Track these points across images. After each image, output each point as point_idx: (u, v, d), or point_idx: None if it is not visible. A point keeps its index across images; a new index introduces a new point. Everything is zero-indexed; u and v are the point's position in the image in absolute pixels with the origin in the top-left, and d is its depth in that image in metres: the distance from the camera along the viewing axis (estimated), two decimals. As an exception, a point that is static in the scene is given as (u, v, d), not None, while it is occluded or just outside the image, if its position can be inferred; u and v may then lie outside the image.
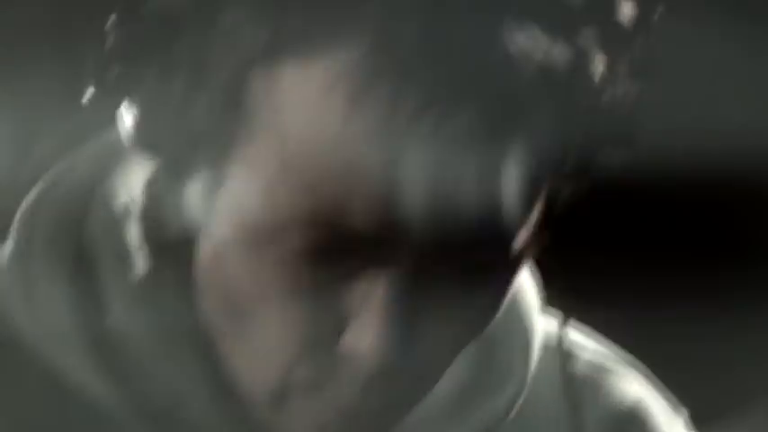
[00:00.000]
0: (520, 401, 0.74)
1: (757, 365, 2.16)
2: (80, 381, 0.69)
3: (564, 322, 0.75)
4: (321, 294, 0.63)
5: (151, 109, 0.65)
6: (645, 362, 0.82)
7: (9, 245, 0.72)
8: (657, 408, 0.80)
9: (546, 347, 0.76)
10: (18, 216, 0.72)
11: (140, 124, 0.65)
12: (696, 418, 0.81)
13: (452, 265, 0.63)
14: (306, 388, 0.66)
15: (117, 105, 0.66)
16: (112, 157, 0.72)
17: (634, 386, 0.80)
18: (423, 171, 0.61)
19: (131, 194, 0.72)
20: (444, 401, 0.73)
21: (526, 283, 0.76)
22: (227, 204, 0.64)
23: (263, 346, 0.65)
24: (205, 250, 0.67)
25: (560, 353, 0.75)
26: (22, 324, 0.70)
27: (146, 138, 0.65)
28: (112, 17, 0.64)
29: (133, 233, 0.71)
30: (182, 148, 0.64)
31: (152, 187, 0.70)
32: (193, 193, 0.66)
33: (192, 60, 0.63)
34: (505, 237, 0.63)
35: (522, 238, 0.64)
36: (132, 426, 0.70)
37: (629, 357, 0.82)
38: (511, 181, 0.62)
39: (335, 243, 0.62)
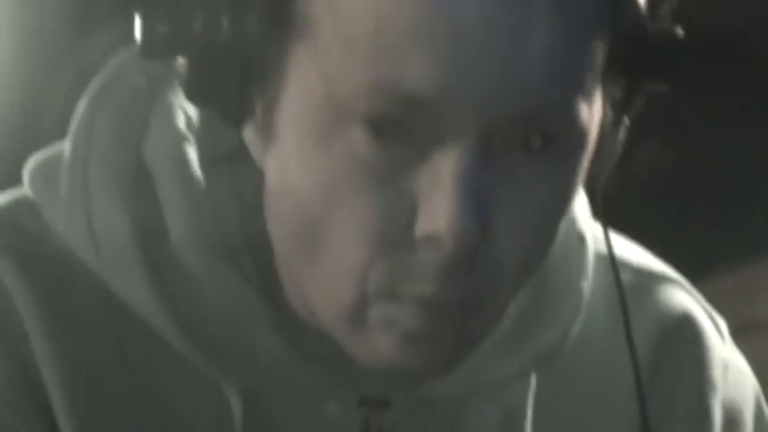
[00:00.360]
0: (578, 326, 0.75)
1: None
2: (136, 302, 0.70)
3: (606, 232, 0.74)
4: (391, 181, 0.63)
5: (201, 59, 0.65)
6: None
7: (68, 147, 0.72)
8: (705, 320, 0.81)
9: (597, 257, 0.77)
10: (77, 114, 0.72)
11: (192, 79, 0.65)
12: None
13: (518, 135, 0.63)
14: (384, 294, 0.65)
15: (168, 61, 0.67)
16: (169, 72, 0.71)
17: (680, 296, 0.81)
18: (480, 31, 0.61)
19: (190, 113, 0.72)
20: (502, 329, 0.73)
21: (578, 202, 0.76)
22: (290, 109, 0.65)
23: (337, 256, 0.65)
24: (272, 171, 0.67)
25: (612, 263, 0.74)
26: (78, 238, 0.71)
27: (199, 93, 0.66)
28: None
29: (193, 153, 0.71)
30: (234, 98, 0.65)
31: (209, 120, 0.71)
32: (250, 128, 0.68)
33: None
34: (565, 104, 0.63)
35: (583, 114, 0.64)
36: (185, 352, 0.70)
37: (669, 268, 0.82)
38: (568, 48, 0.63)
39: (399, 115, 0.62)
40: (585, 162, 0.68)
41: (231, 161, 0.71)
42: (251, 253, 0.71)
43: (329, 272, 0.66)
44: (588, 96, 0.64)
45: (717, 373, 0.80)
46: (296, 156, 0.65)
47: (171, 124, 0.71)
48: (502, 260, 0.66)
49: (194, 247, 0.70)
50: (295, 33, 0.64)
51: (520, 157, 0.64)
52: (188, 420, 0.71)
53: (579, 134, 0.65)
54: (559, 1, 0.62)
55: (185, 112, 0.72)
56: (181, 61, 0.66)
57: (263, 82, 0.65)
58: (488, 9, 0.61)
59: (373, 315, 0.66)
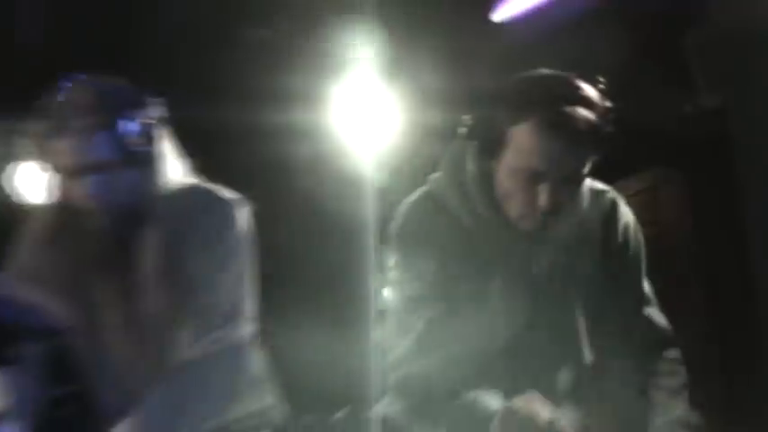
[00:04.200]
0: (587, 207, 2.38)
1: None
2: (468, 223, 2.37)
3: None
4: (530, 189, 2.25)
5: (478, 137, 2.19)
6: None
7: (442, 177, 2.37)
8: (620, 201, 2.34)
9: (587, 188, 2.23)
10: (441, 165, 2.43)
11: (477, 140, 2.17)
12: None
13: (567, 178, 2.27)
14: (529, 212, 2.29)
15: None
16: (458, 155, 2.34)
17: (613, 194, 2.39)
18: (559, 166, 2.23)
19: (470, 168, 2.33)
20: (575, 209, 2.40)
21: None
22: (507, 160, 2.24)
23: (517, 202, 2.28)
24: (501, 172, 2.15)
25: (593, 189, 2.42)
26: (451, 212, 2.37)
27: (479, 144, 2.17)
28: None
29: (474, 184, 2.34)
30: (491, 146, 2.16)
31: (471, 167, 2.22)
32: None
33: (484, 128, 2.16)
34: (582, 172, 2.28)
35: (586, 171, 2.28)
36: (480, 234, 2.37)
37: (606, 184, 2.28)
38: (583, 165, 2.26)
39: (533, 175, 2.20)
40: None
41: (481, 177, 2.24)
42: (489, 197, 2.31)
43: (516, 205, 2.27)
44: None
45: (630, 218, 2.42)
46: (507, 172, 2.24)
47: (466, 172, 2.34)
48: (563, 200, 2.25)
49: (479, 204, 2.32)
50: (501, 151, 2.26)
51: (567, 185, 2.24)
52: (489, 256, 2.33)
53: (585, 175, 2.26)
54: (585, 147, 2.23)
55: (470, 166, 2.32)
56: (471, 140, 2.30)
57: (501, 146, 2.24)
58: (559, 159, 2.22)
59: (527, 219, 2.26)
